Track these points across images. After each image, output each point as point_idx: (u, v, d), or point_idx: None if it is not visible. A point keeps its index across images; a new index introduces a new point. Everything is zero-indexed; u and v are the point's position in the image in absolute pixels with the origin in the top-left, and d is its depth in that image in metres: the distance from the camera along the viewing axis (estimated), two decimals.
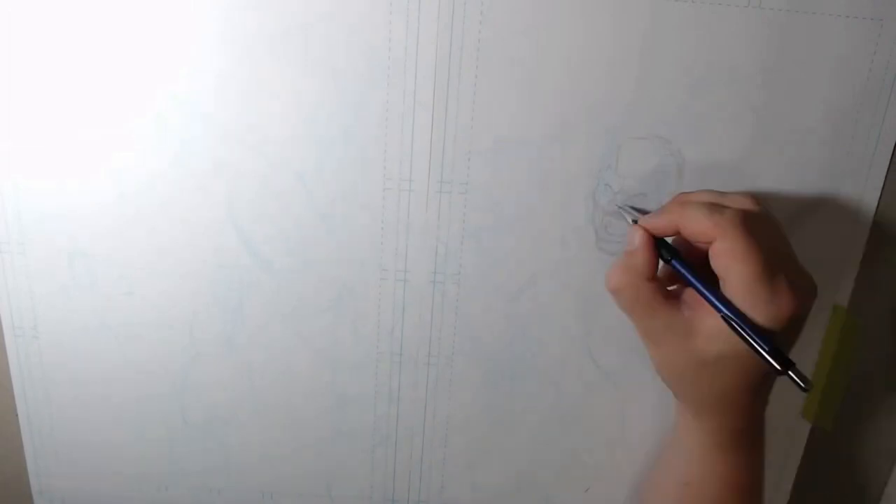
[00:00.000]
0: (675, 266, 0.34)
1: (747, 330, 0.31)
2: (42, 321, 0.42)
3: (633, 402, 0.42)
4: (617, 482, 0.44)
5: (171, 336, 0.41)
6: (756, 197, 0.34)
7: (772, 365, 0.30)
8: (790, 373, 0.30)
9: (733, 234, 0.31)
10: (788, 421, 0.43)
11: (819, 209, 0.38)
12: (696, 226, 0.32)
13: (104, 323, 0.41)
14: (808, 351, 0.41)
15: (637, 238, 0.34)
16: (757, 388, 0.34)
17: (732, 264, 0.31)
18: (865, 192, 0.38)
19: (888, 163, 0.38)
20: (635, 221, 0.35)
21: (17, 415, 0.44)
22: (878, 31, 0.35)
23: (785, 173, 0.38)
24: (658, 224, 0.34)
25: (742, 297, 0.31)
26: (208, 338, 0.42)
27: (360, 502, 0.45)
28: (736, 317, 0.31)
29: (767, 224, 0.33)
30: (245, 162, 0.38)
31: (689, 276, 0.33)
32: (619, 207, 0.38)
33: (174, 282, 0.40)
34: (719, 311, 0.31)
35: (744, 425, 0.35)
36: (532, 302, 0.40)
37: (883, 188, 0.38)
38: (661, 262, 0.34)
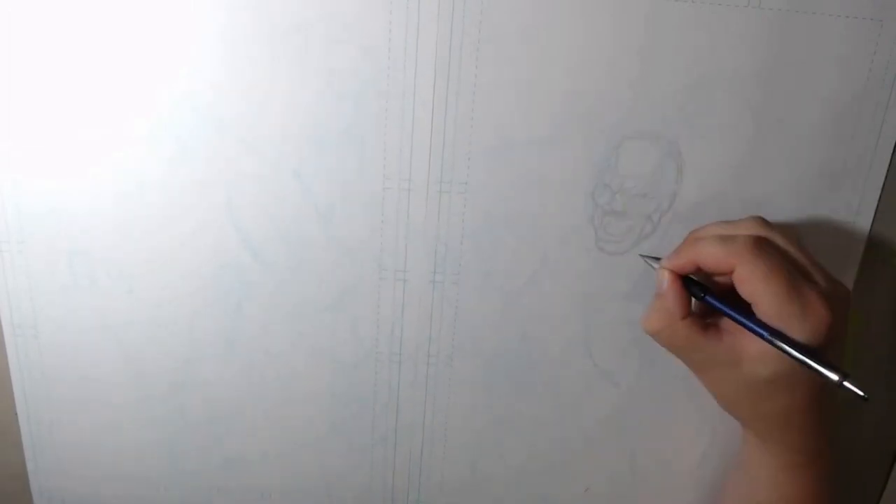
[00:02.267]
0: (709, 301, 0.34)
1: (794, 348, 0.31)
2: (42, 321, 0.42)
3: (633, 402, 0.42)
4: (616, 482, 0.44)
5: (170, 336, 0.41)
6: (764, 220, 0.34)
7: (826, 377, 0.30)
8: (846, 383, 0.30)
9: (750, 259, 0.31)
10: None
11: (819, 209, 0.38)
12: (712, 259, 0.33)
13: (104, 323, 0.41)
14: None
15: (664, 281, 0.34)
16: (818, 406, 0.34)
17: (757, 288, 0.31)
18: (865, 192, 0.38)
19: (888, 163, 0.38)
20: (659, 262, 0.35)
21: (17, 415, 0.44)
22: (878, 31, 0.35)
23: (785, 173, 0.38)
24: (677, 263, 0.34)
25: (776, 318, 0.31)
26: (208, 338, 0.42)
27: (360, 502, 0.45)
28: (777, 337, 0.31)
29: (783, 241, 0.33)
30: (245, 162, 0.38)
31: (725, 308, 0.33)
32: (642, 256, 0.38)
33: (174, 281, 0.40)
34: (761, 336, 0.32)
35: (809, 444, 0.35)
36: (532, 302, 0.40)
37: (883, 188, 0.38)
38: (693, 300, 0.34)
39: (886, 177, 0.38)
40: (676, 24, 0.35)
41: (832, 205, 0.38)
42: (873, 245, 0.39)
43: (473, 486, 0.45)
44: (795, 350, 0.31)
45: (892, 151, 0.37)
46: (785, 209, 0.38)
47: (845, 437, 0.44)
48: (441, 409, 0.43)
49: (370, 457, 0.44)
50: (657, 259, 0.36)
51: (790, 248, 0.33)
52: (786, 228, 0.35)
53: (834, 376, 0.30)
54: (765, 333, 0.31)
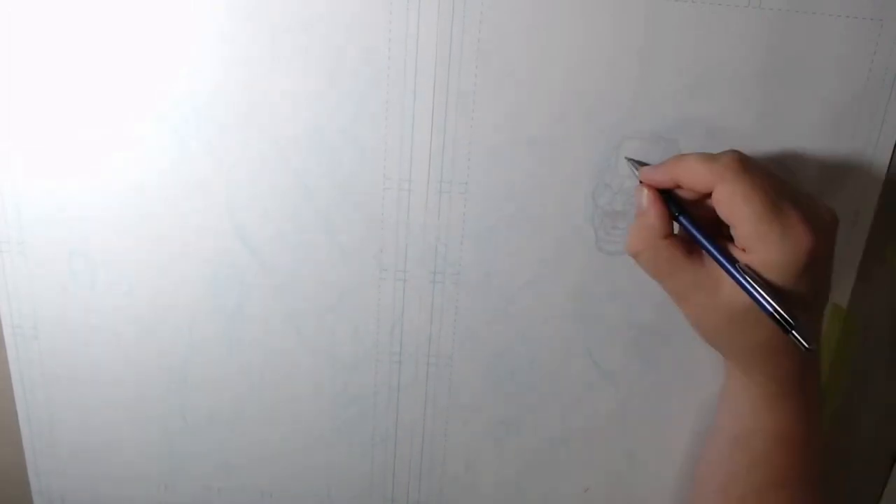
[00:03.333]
0: (682, 221, 0.33)
1: (758, 283, 0.30)
2: (42, 321, 0.42)
3: (633, 402, 0.42)
4: (616, 482, 0.44)
5: (170, 336, 0.41)
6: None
7: (777, 323, 0.29)
8: (794, 332, 0.29)
9: (732, 177, 0.30)
10: None
11: None
12: (693, 175, 0.32)
13: (104, 323, 0.41)
14: None
15: (644, 198, 0.33)
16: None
17: (735, 207, 0.30)
18: (865, 191, 0.38)
19: (888, 163, 0.38)
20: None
21: (16, 414, 0.44)
22: (878, 31, 0.35)
23: (785, 173, 0.38)
24: (656, 178, 0.33)
25: (754, 240, 0.30)
26: (208, 337, 0.42)
27: (360, 502, 0.45)
28: (740, 271, 0.30)
29: (766, 166, 0.32)
30: (245, 162, 0.38)
31: (694, 231, 0.32)
32: (627, 159, 0.37)
33: (174, 282, 0.40)
34: (721, 264, 0.31)
35: (791, 375, 0.34)
36: (532, 302, 0.40)
37: (883, 188, 0.38)
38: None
39: (886, 177, 0.38)
40: (676, 24, 0.35)
41: (832, 205, 0.38)
42: (873, 245, 0.39)
43: (473, 486, 0.45)
44: (757, 286, 0.30)
45: (892, 151, 0.37)
46: None
47: (845, 437, 0.44)
48: (441, 409, 0.43)
49: (370, 457, 0.44)
50: (639, 164, 0.35)
51: (774, 171, 0.32)
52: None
53: (784, 324, 0.29)
54: (724, 261, 0.31)
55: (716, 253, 0.31)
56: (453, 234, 0.39)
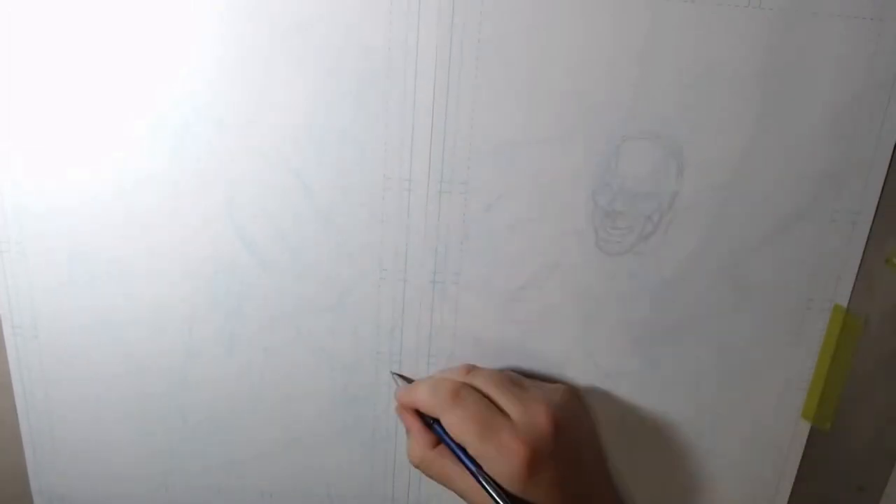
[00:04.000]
0: (435, 429, 0.37)
1: (485, 486, 0.34)
2: (42, 320, 0.42)
3: (633, 403, 0.42)
4: (616, 482, 0.44)
5: (170, 335, 0.41)
6: (469, 365, 0.39)
7: None
8: None
9: (449, 409, 0.35)
10: (788, 421, 0.43)
11: (819, 209, 0.38)
12: (424, 405, 0.37)
13: (104, 322, 0.41)
14: (808, 350, 0.41)
15: (405, 417, 0.39)
16: None
17: (458, 435, 0.35)
18: (865, 191, 0.38)
19: (888, 163, 0.38)
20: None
21: (17, 414, 0.44)
22: (878, 31, 0.35)
23: (785, 173, 0.38)
24: (404, 401, 0.39)
25: (479, 458, 0.35)
26: (208, 337, 0.42)
27: (360, 502, 0.45)
28: (482, 477, 0.34)
29: (485, 382, 0.37)
30: (245, 162, 0.38)
31: (446, 439, 0.36)
32: (392, 373, 0.41)
33: (174, 281, 0.40)
34: (469, 470, 0.35)
35: None
36: (532, 302, 0.40)
37: (883, 188, 0.38)
38: None
39: (886, 177, 0.38)
40: (676, 24, 0.35)
41: (832, 205, 0.38)
42: (873, 245, 0.39)
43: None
44: (488, 488, 0.34)
45: (892, 151, 0.37)
46: (785, 209, 0.38)
47: (845, 437, 0.44)
48: None
49: (370, 457, 0.44)
50: (406, 380, 0.40)
51: (487, 387, 0.36)
52: (486, 369, 0.38)
53: None
54: (472, 468, 0.35)
55: (462, 457, 0.35)
56: (453, 235, 0.39)
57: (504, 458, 0.34)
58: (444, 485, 0.37)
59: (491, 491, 0.34)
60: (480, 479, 0.34)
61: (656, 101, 0.36)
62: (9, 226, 0.40)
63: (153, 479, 0.45)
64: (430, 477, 0.38)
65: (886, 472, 0.45)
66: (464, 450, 0.35)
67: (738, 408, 0.43)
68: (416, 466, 0.38)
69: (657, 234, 0.39)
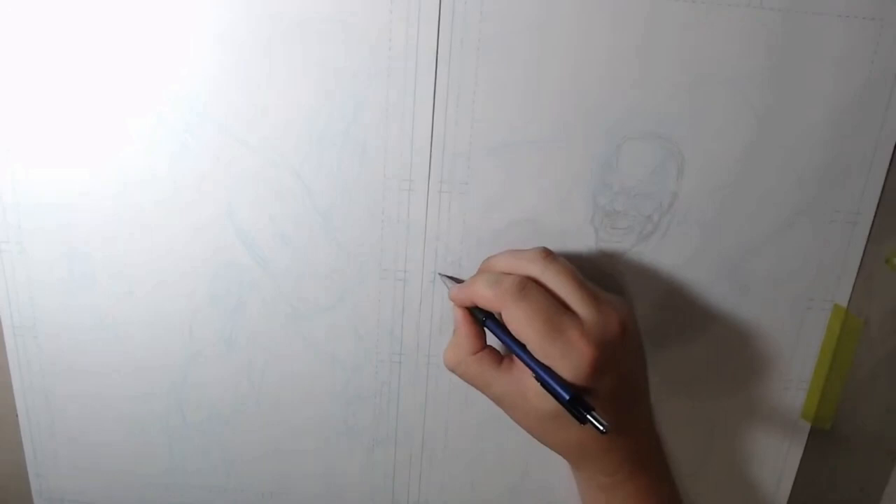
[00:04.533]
0: (489, 326, 0.35)
1: (545, 380, 0.32)
2: (42, 320, 0.42)
3: None
4: None
5: (170, 335, 0.42)
6: (546, 251, 0.35)
7: (570, 412, 0.31)
8: (590, 416, 0.31)
9: (512, 302, 0.33)
10: (788, 421, 0.43)
11: (819, 209, 0.38)
12: (483, 299, 0.34)
13: (104, 322, 0.41)
14: (808, 350, 0.41)
15: (457, 315, 0.36)
16: (613, 434, 0.34)
17: (521, 331, 0.33)
18: (865, 191, 0.38)
19: (888, 163, 0.38)
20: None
21: (17, 415, 0.44)
22: (878, 31, 0.35)
23: (785, 173, 0.38)
24: (459, 297, 0.36)
25: (541, 356, 0.32)
26: (208, 337, 0.42)
27: (361, 502, 0.45)
28: (547, 373, 0.32)
29: (554, 276, 0.34)
30: (245, 161, 0.38)
31: (501, 335, 0.34)
32: (440, 275, 0.40)
33: (174, 281, 0.40)
34: (530, 368, 0.33)
35: (615, 467, 0.36)
36: None
37: (883, 188, 0.38)
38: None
39: (886, 177, 0.38)
40: (676, 24, 0.35)
41: (832, 205, 0.38)
42: (873, 245, 0.39)
43: (473, 486, 0.45)
44: (549, 383, 0.32)
45: (892, 151, 0.37)
46: (785, 209, 0.38)
47: (845, 437, 0.44)
48: (441, 409, 0.43)
49: (371, 457, 0.44)
50: (451, 280, 0.38)
51: (559, 284, 0.34)
52: (563, 259, 0.35)
53: (577, 418, 0.31)
54: (532, 365, 0.33)
55: (521, 354, 0.33)
56: (453, 234, 0.39)
57: (569, 358, 0.32)
58: (480, 389, 0.36)
59: (556, 385, 0.32)
60: (543, 375, 0.32)
61: (656, 101, 0.36)
62: (9, 225, 0.40)
63: (153, 480, 0.45)
64: (465, 380, 0.36)
65: (886, 472, 0.45)
66: (523, 347, 0.33)
67: (737, 408, 0.43)
68: (451, 369, 0.36)
69: (657, 234, 0.39)
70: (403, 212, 0.39)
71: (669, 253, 0.39)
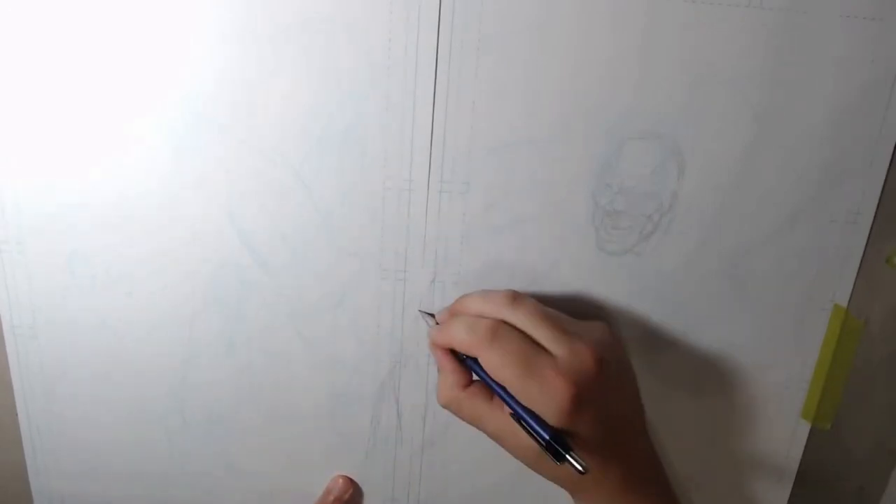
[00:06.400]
0: (471, 366, 0.36)
1: (525, 421, 0.33)
2: (41, 320, 0.42)
3: None
4: None
5: (170, 336, 0.41)
6: (512, 294, 0.36)
7: (550, 455, 0.32)
8: (568, 456, 0.32)
9: (488, 349, 0.34)
10: (788, 421, 0.43)
11: (819, 208, 0.38)
12: (460, 344, 0.35)
13: (104, 322, 0.41)
14: (808, 350, 0.41)
15: (437, 356, 0.37)
16: (607, 472, 0.34)
17: (499, 375, 0.33)
18: (865, 192, 0.38)
19: (888, 163, 0.38)
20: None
21: (16, 414, 0.44)
22: (879, 31, 0.35)
23: (785, 173, 0.38)
24: (438, 341, 0.37)
25: (521, 397, 0.33)
26: (208, 338, 0.42)
27: (360, 502, 0.45)
28: (522, 411, 0.33)
29: (525, 316, 0.34)
30: (245, 162, 0.38)
31: (484, 376, 0.35)
32: (420, 311, 0.40)
33: (174, 282, 0.40)
34: (508, 404, 0.34)
35: (614, 493, 0.35)
36: None
37: (883, 188, 0.38)
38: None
39: (886, 177, 0.38)
40: (676, 24, 0.35)
41: (832, 205, 0.38)
42: (873, 245, 0.39)
43: (475, 486, 0.45)
44: (528, 425, 0.33)
45: (892, 151, 0.37)
46: (785, 209, 0.38)
47: (845, 437, 0.44)
48: (441, 410, 0.43)
49: (371, 457, 0.44)
50: (431, 316, 0.39)
51: (529, 326, 0.34)
52: (531, 300, 0.36)
53: (554, 458, 0.32)
54: (513, 405, 0.33)
55: (502, 395, 0.34)
56: (453, 234, 0.39)
57: (548, 396, 0.32)
58: (475, 426, 0.36)
59: (535, 425, 0.32)
60: (522, 416, 0.33)
61: (656, 101, 0.36)
62: (9, 226, 0.39)
63: (153, 480, 0.45)
64: (460, 418, 0.36)
65: (886, 472, 0.45)
66: (503, 388, 0.34)
67: (737, 408, 0.43)
68: (445, 407, 0.37)
69: (657, 233, 0.39)
70: (403, 212, 0.39)
71: (670, 253, 0.39)
